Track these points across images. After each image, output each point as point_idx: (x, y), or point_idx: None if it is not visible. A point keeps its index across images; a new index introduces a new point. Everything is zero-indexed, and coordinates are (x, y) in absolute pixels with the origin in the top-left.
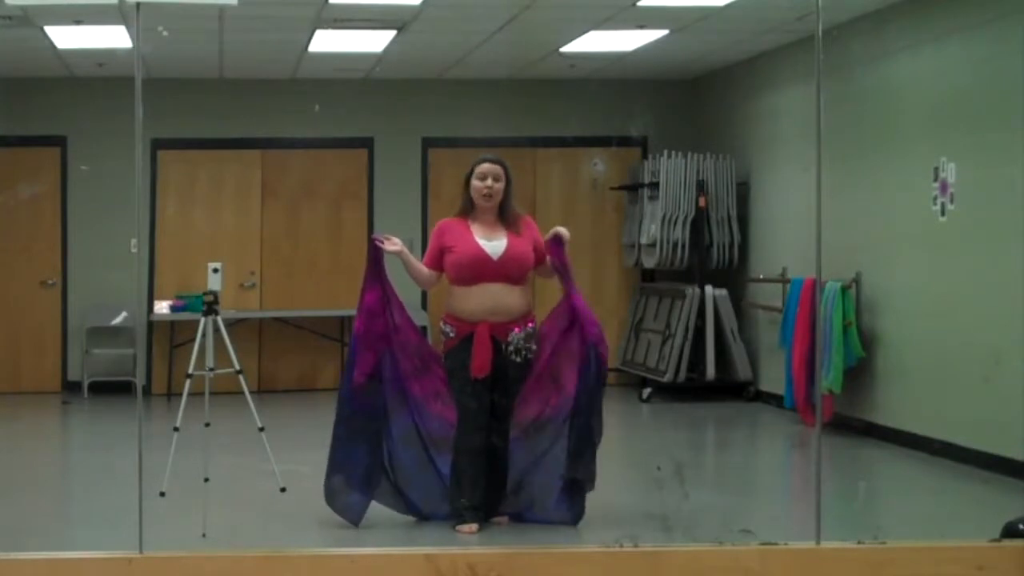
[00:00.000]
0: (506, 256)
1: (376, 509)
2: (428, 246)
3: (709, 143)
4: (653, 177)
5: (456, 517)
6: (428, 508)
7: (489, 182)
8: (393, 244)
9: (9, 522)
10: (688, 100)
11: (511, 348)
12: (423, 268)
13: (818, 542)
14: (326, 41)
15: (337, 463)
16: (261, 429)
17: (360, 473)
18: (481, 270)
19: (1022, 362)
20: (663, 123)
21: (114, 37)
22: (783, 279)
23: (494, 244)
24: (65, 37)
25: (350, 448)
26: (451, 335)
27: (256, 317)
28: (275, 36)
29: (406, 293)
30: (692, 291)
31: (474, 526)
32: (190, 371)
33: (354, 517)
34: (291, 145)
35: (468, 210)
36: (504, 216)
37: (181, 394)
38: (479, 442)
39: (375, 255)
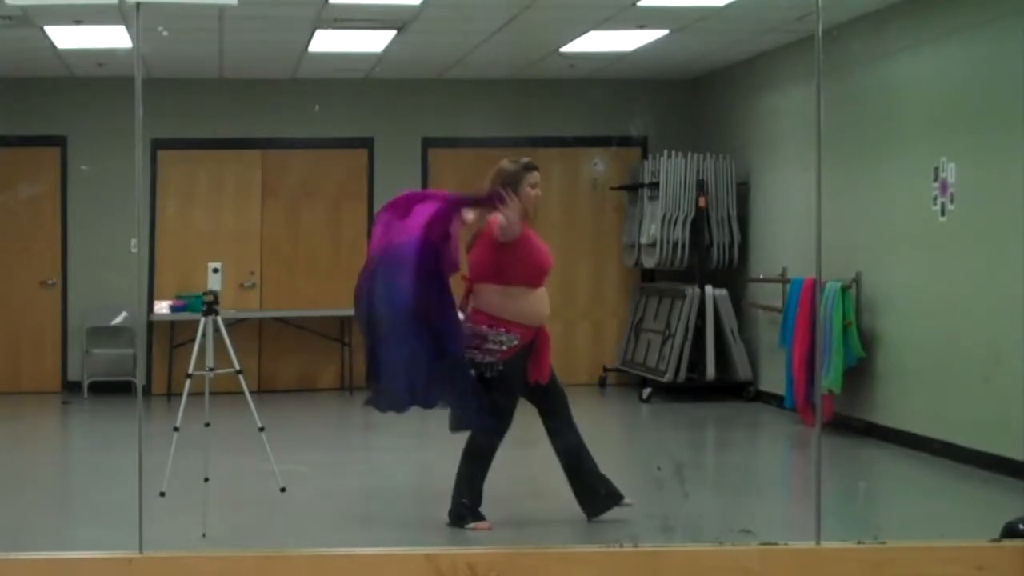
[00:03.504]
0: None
1: (378, 508)
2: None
3: (709, 143)
4: (653, 177)
5: (458, 517)
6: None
7: (539, 190)
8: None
9: (9, 522)
10: (688, 100)
11: None
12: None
13: (818, 542)
14: (326, 41)
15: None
16: (261, 429)
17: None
18: (548, 272)
19: (1022, 362)
20: (663, 123)
21: (114, 37)
22: (783, 279)
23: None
24: (65, 37)
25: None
26: (515, 342)
27: (256, 317)
28: (275, 36)
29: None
30: (692, 291)
31: (489, 523)
32: (190, 371)
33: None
34: (291, 145)
35: (523, 213)
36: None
37: (181, 394)
38: (496, 446)
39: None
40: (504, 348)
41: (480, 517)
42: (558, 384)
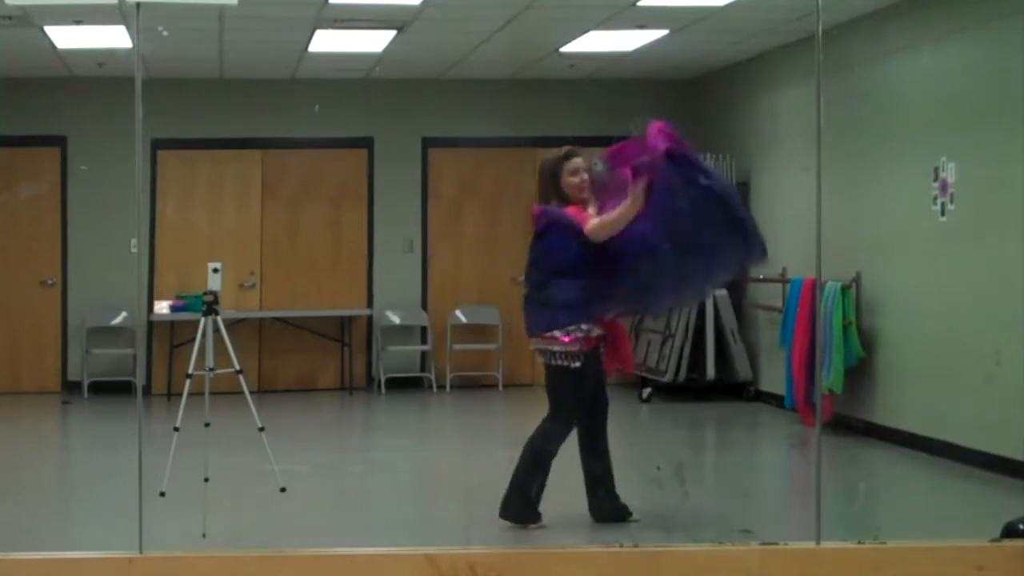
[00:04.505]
0: None
1: (378, 508)
2: (572, 220)
3: (709, 143)
4: None
5: (527, 512)
6: None
7: (581, 176)
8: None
9: (9, 522)
10: (688, 100)
11: None
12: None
13: (818, 542)
14: (326, 41)
15: None
16: (261, 429)
17: None
18: None
19: (1022, 362)
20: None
21: (114, 37)
22: (783, 279)
23: None
24: (65, 37)
25: None
26: (593, 334)
27: (256, 317)
28: (275, 36)
29: (407, 290)
30: None
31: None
32: (190, 371)
33: None
34: (291, 145)
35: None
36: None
37: (181, 394)
38: (558, 446)
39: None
40: (592, 336)
41: (539, 516)
42: (605, 393)
